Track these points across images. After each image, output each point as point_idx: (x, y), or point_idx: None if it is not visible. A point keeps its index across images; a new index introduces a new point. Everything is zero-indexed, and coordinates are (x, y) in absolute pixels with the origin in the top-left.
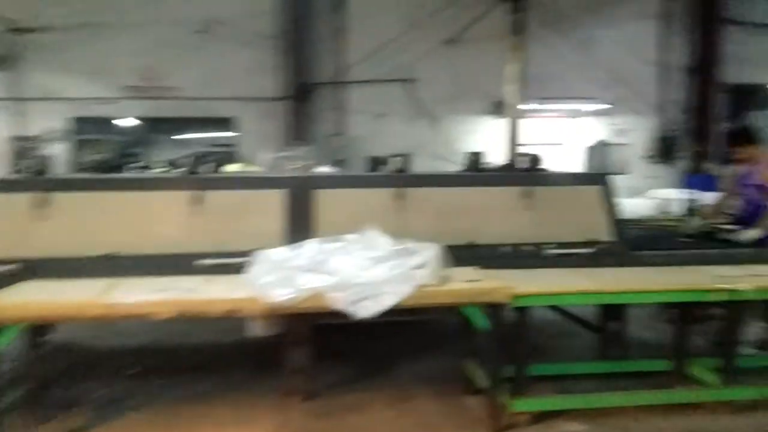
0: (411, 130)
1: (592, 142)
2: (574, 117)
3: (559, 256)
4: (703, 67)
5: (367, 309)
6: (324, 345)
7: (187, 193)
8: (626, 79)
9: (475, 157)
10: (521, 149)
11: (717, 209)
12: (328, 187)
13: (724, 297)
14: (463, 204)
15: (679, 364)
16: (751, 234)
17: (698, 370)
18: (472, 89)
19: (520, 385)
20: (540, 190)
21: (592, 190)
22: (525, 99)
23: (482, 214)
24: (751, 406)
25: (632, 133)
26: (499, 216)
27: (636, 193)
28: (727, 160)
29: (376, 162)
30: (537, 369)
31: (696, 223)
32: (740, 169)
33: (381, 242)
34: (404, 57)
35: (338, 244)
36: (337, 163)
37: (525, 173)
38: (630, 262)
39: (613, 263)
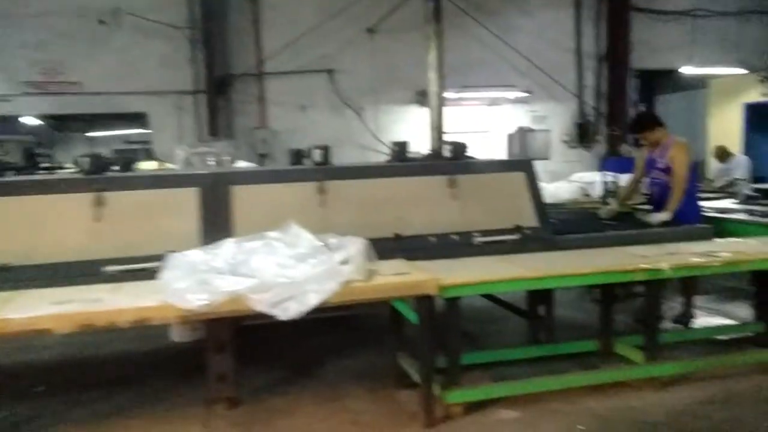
0: (336, 122)
1: (512, 128)
2: (495, 105)
3: (486, 243)
4: (614, 53)
5: (290, 310)
6: (250, 347)
7: (89, 196)
8: (544, 67)
9: (400, 147)
10: (446, 138)
11: (630, 191)
12: (245, 183)
13: (645, 276)
14: (388, 195)
15: (605, 343)
16: (660, 217)
17: (623, 348)
18: (396, 79)
19: (453, 377)
20: (465, 179)
21: (517, 177)
22: (447, 87)
23: (408, 204)
24: (675, 381)
25: (551, 119)
26: (425, 206)
27: (557, 177)
28: (640, 143)
29: (299, 155)
30: (469, 358)
31: (613, 205)
32: (647, 152)
33: (304, 239)
34: (325, 47)
35: (258, 243)
36: (260, 157)
37: (450, 162)
38: (555, 246)
39: (538, 248)
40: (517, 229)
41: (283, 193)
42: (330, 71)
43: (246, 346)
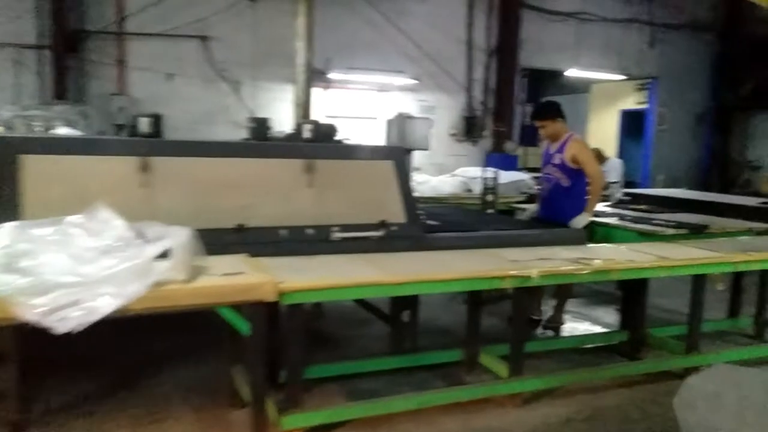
0: (208, 95)
1: (392, 114)
2: (384, 91)
3: (347, 240)
4: (504, 49)
5: (71, 320)
6: (57, 350)
7: None
8: (435, 56)
9: (259, 123)
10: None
11: (516, 188)
12: (41, 153)
13: (513, 284)
14: (233, 179)
15: (471, 353)
16: (582, 221)
17: (488, 359)
18: (279, 54)
19: (293, 397)
20: (326, 164)
21: (386, 166)
22: (332, 68)
23: (256, 191)
24: (539, 396)
25: (439, 110)
26: (276, 193)
27: (443, 170)
28: (526, 141)
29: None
30: (319, 371)
31: (533, 207)
32: (545, 146)
33: (114, 226)
34: (200, 10)
35: (49, 230)
36: (117, 128)
37: (309, 144)
38: (423, 245)
39: (405, 247)
40: (383, 225)
41: (94, 168)
42: (204, 38)
43: (50, 350)
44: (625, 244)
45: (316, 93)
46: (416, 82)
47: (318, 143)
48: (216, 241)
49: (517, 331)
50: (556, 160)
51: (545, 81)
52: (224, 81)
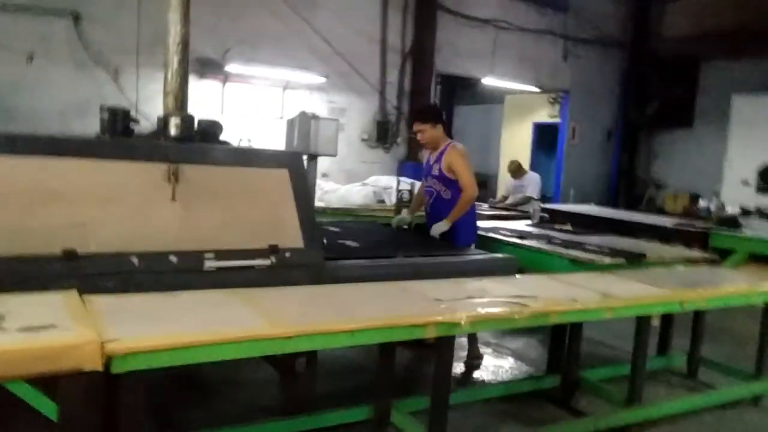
0: (81, 83)
1: (294, 114)
2: (290, 89)
3: (224, 270)
4: (419, 52)
5: None
6: None
7: None
8: (346, 55)
9: (116, 115)
10: (213, 116)
11: (420, 199)
12: None
13: (436, 333)
14: (63, 187)
15: (381, 408)
16: (440, 228)
17: (401, 417)
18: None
19: None
20: (199, 171)
21: (279, 175)
22: (229, 60)
23: (96, 204)
24: None
25: (351, 113)
26: (126, 208)
27: (354, 178)
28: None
29: None
30: None
31: (405, 215)
32: (425, 155)
33: None
34: None
35: None
36: None
37: (177, 143)
38: (325, 276)
39: (302, 278)
40: (273, 250)
41: None
42: (76, 16)
43: None
44: (559, 275)
45: (212, 87)
46: (325, 80)
47: (189, 143)
48: (35, 272)
49: (440, 389)
50: (435, 170)
51: (459, 89)
52: (100, 67)
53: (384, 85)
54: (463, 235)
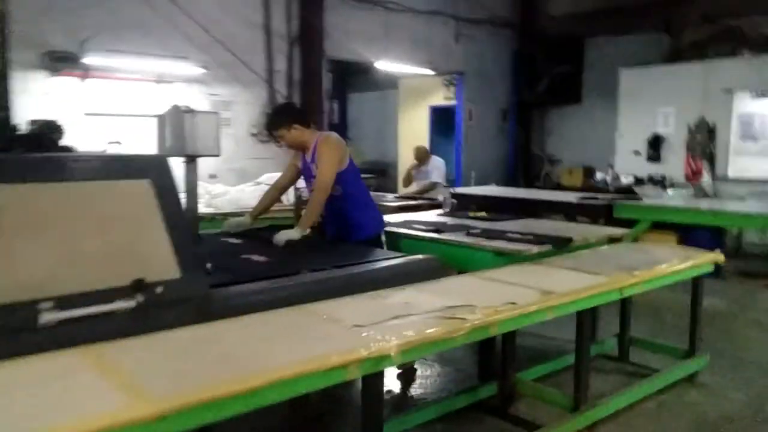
0: None
1: (164, 108)
2: (164, 82)
3: (70, 323)
4: (306, 37)
5: None
6: None
7: None
8: (227, 42)
9: None
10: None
11: (269, 201)
12: None
13: (360, 372)
14: None
15: None
16: (289, 235)
17: None
18: (13, 33)
19: None
20: (19, 192)
21: (137, 188)
22: (87, 50)
23: None
24: None
25: (237, 106)
26: None
27: (246, 177)
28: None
29: None
30: None
31: (246, 219)
32: (299, 158)
33: None
34: None
35: None
36: None
37: None
38: (209, 311)
39: (180, 318)
40: (137, 287)
41: None
42: None
43: None
44: (486, 272)
45: (70, 84)
46: (204, 71)
47: (8, 152)
48: None
49: (370, 425)
50: (315, 171)
51: (352, 76)
52: None
53: (272, 73)
54: (367, 223)
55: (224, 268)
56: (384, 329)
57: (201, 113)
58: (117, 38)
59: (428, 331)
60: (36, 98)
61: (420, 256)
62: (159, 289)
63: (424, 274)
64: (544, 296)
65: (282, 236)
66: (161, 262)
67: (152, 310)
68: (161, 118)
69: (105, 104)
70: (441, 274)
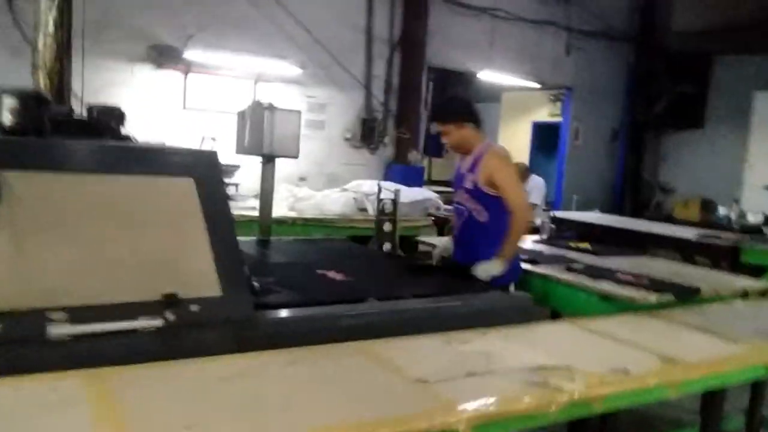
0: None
1: (246, 104)
2: (263, 81)
3: (81, 339)
4: (409, 43)
5: None
6: None
7: None
8: (327, 44)
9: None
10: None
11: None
12: None
13: None
14: None
15: None
16: (490, 269)
17: None
18: (116, 23)
19: None
20: (40, 182)
21: (180, 188)
22: (190, 46)
23: None
24: None
25: (332, 109)
26: None
27: (337, 182)
28: (431, 151)
29: None
30: None
31: (448, 244)
32: (456, 162)
33: None
34: None
35: None
36: None
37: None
38: (252, 339)
39: (219, 343)
40: (168, 303)
41: None
42: None
43: None
44: (589, 321)
45: (172, 78)
46: (302, 71)
47: (32, 137)
48: None
49: None
50: (468, 182)
51: (454, 86)
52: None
53: (370, 78)
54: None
55: (281, 285)
56: (455, 389)
57: (282, 110)
58: (220, 35)
59: (511, 399)
60: (138, 91)
61: (510, 293)
62: (194, 308)
63: (512, 316)
64: (665, 366)
65: (485, 271)
66: (199, 276)
67: (183, 331)
68: (242, 114)
69: (204, 100)
70: (532, 317)
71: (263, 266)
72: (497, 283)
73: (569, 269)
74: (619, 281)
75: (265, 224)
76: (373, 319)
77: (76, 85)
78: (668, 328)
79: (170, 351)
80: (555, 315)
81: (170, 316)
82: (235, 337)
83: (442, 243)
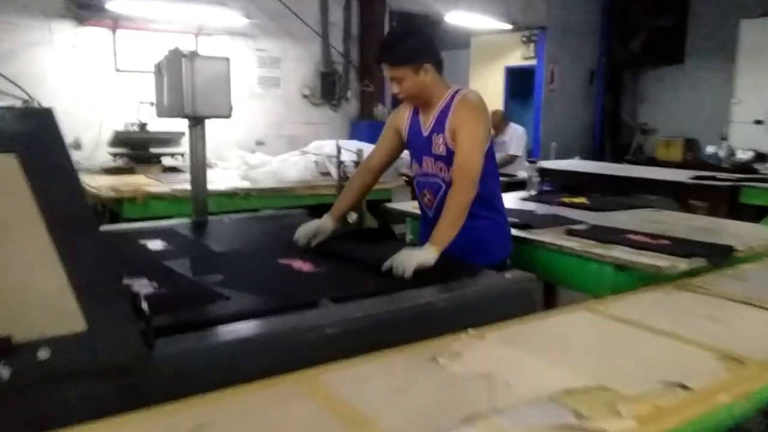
0: None
1: (163, 54)
2: (204, 35)
3: None
4: None
5: None
6: None
7: None
8: None
9: None
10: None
11: (359, 191)
12: None
13: None
14: None
15: None
16: (419, 257)
17: None
18: None
19: None
20: None
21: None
22: None
23: None
24: None
25: (287, 64)
26: None
27: (297, 144)
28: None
29: None
30: None
31: (327, 222)
32: (407, 114)
33: None
34: None
35: None
36: None
37: None
38: (147, 383)
39: (88, 404)
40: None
41: None
42: None
43: None
44: (611, 302)
45: (99, 36)
46: (248, 21)
47: None
48: None
49: None
50: (438, 146)
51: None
52: None
53: (326, 27)
54: (495, 242)
55: (214, 290)
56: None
57: (204, 58)
58: None
59: None
60: (60, 52)
61: (509, 274)
62: (42, 354)
63: (513, 305)
64: (731, 368)
65: (409, 261)
66: (45, 304)
67: (29, 392)
68: (157, 68)
69: (139, 61)
70: (537, 304)
71: (174, 261)
72: (490, 262)
73: (570, 233)
74: (634, 245)
75: (200, 202)
76: (329, 333)
77: None
78: (711, 306)
79: (11, 426)
80: (549, 289)
81: (3, 371)
82: (116, 389)
83: (308, 223)
